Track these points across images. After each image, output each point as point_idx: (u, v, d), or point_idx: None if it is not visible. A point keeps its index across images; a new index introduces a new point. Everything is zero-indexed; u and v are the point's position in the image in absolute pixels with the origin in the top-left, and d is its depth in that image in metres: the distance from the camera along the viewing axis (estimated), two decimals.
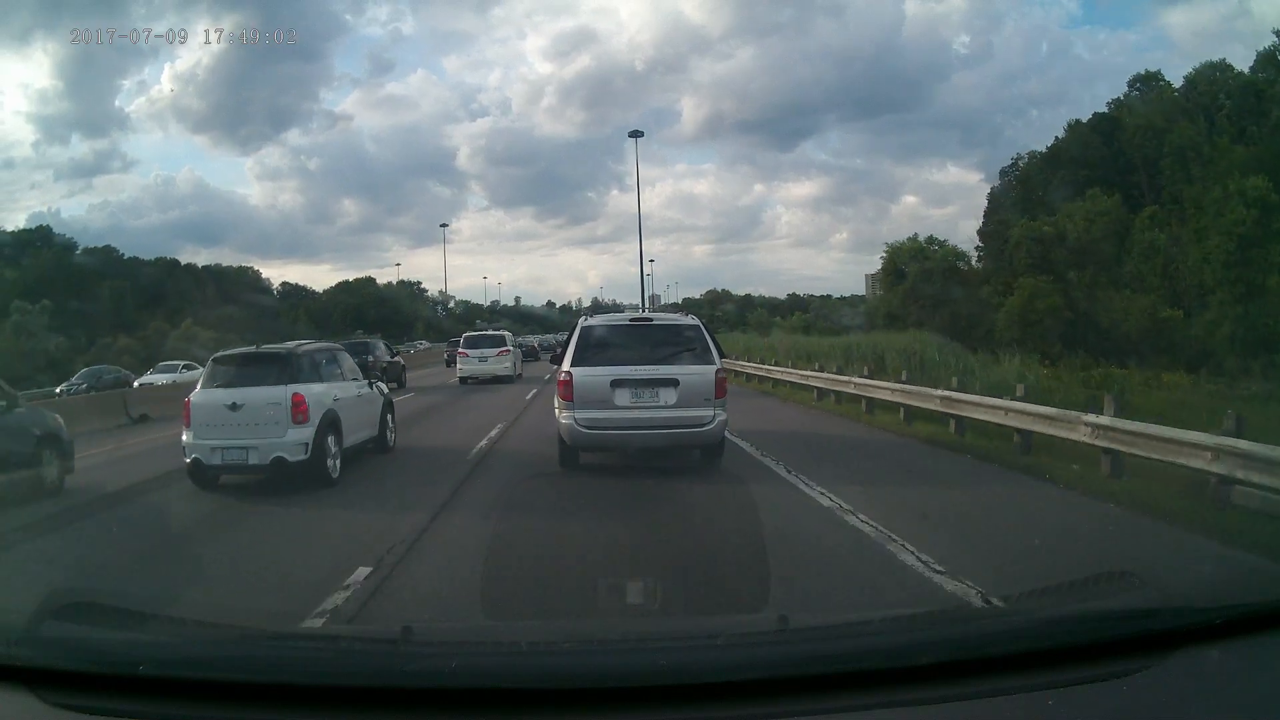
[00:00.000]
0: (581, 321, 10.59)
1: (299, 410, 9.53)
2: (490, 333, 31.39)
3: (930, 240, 51.68)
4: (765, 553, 5.41)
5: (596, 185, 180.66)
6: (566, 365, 9.77)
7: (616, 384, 9.46)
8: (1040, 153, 54.04)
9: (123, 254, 74.37)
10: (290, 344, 11.13)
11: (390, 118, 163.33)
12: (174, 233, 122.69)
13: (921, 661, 1.86)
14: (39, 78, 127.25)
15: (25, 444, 10.06)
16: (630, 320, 11.14)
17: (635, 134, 47.05)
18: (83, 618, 2.42)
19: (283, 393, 9.58)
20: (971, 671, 1.84)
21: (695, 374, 9.56)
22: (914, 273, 48.07)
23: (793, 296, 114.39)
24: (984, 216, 55.15)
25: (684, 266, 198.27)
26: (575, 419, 9.45)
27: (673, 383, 9.47)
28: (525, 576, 5.76)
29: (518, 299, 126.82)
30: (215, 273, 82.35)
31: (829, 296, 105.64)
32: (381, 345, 27.29)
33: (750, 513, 7.17)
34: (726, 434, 10.18)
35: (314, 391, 9.96)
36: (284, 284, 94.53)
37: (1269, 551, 5.97)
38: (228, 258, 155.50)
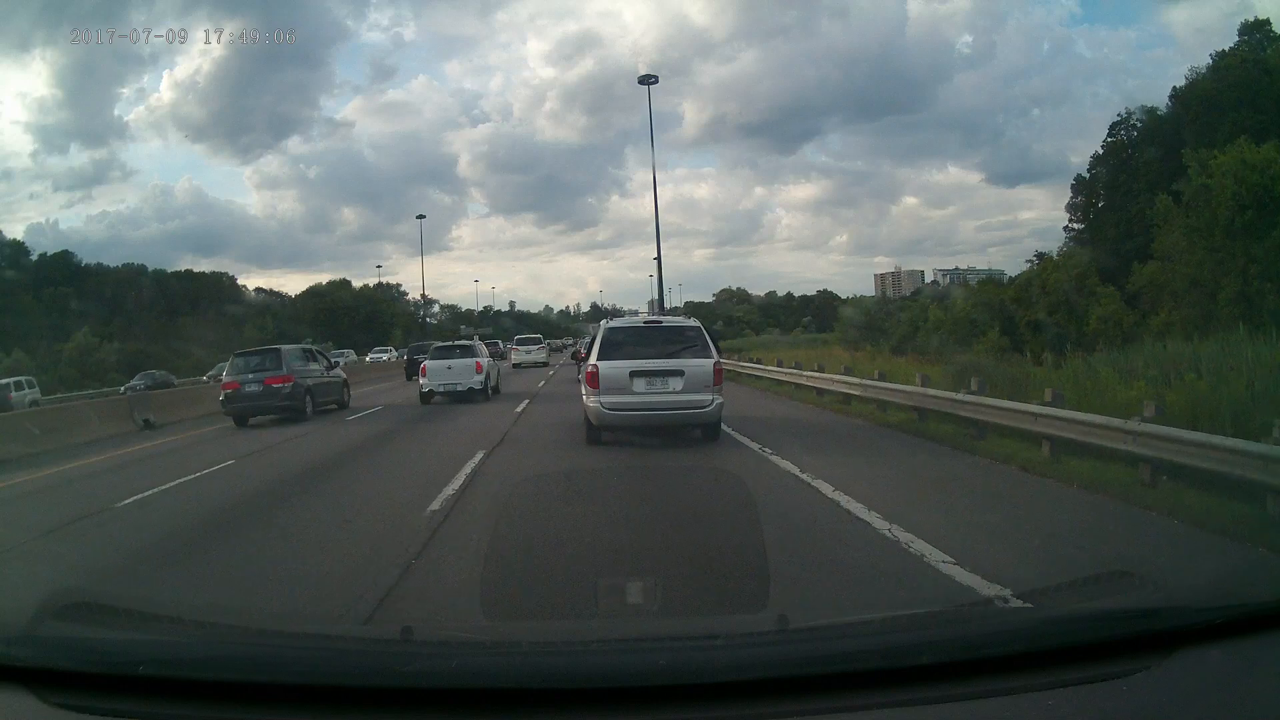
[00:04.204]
0: (604, 324, 12.87)
1: (479, 368, 21.36)
2: (533, 335, 48.56)
3: None
4: None
5: (597, 191, 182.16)
6: (593, 360, 11.70)
7: (634, 374, 11.30)
8: (1156, 110, 46.82)
9: (80, 260, 73.00)
10: (470, 341, 25.02)
11: (391, 124, 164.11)
12: (173, 243, 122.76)
13: (921, 661, 1.86)
14: (38, 86, 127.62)
15: (338, 384, 21.55)
16: (644, 322, 13.54)
17: (647, 79, 37.37)
18: (83, 618, 2.42)
19: (472, 360, 21.46)
20: (971, 671, 1.84)
21: (698, 366, 11.34)
22: None
23: (824, 293, 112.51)
24: (1084, 182, 49.49)
25: (684, 270, 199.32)
26: (601, 403, 11.34)
27: (680, 373, 11.28)
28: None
29: (512, 304, 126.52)
30: (188, 279, 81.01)
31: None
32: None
33: None
34: None
35: (485, 359, 22.00)
36: (258, 289, 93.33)
37: None
38: (227, 267, 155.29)
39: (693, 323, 12.55)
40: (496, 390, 22.82)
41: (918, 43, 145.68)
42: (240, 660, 1.99)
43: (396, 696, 1.81)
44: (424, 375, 21.31)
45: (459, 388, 20.92)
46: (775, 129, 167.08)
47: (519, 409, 18.40)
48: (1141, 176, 44.96)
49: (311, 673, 1.90)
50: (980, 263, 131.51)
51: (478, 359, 21.44)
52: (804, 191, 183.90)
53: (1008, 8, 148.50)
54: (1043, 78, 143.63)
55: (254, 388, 18.28)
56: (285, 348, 19.93)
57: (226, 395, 18.57)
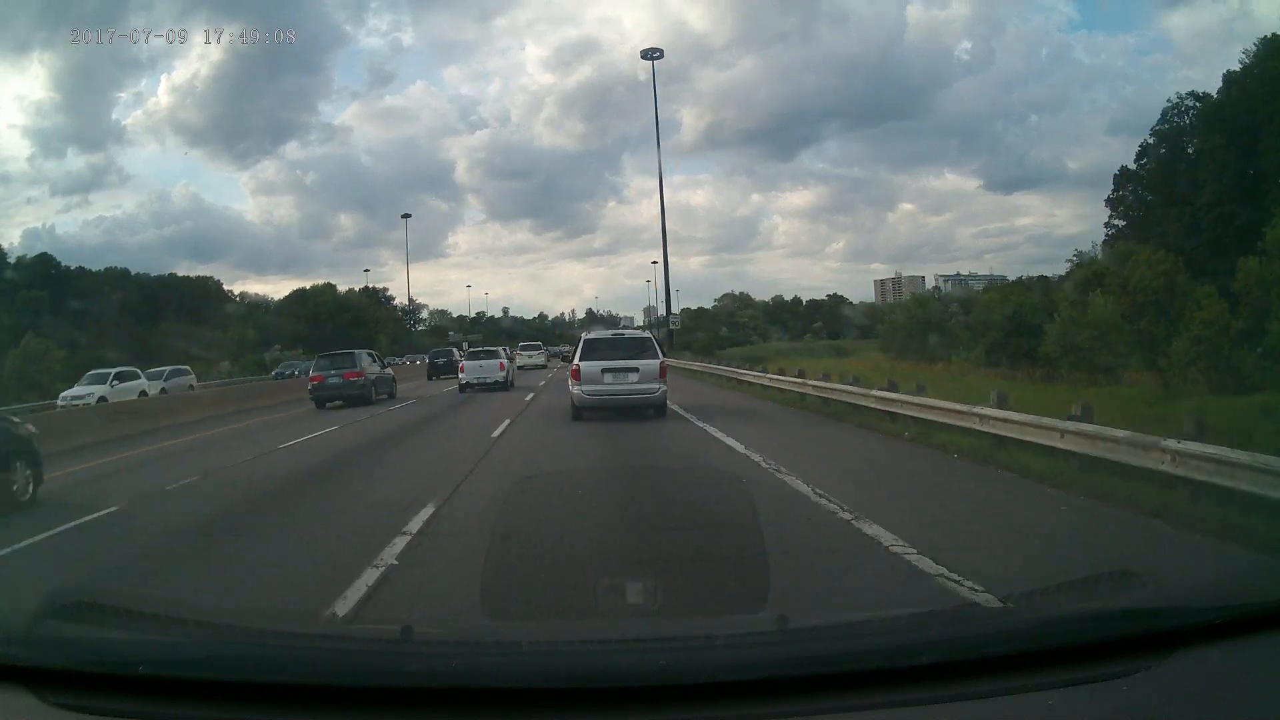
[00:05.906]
0: (585, 335, 18.37)
1: (502, 367, 28.79)
2: (534, 343, 57.85)
3: None
4: None
5: (594, 197, 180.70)
6: (576, 360, 16.56)
7: (604, 370, 15.97)
8: (1210, 96, 43.55)
9: (61, 263, 71.11)
10: (500, 347, 36.31)
11: (389, 130, 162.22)
12: (170, 248, 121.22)
13: (922, 661, 1.85)
14: (35, 90, 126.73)
15: (389, 379, 27.16)
16: (612, 334, 18.61)
17: (650, 53, 35.86)
18: (83, 618, 2.42)
19: (498, 360, 29.13)
20: (971, 671, 1.84)
21: (649, 364, 16.12)
22: None
23: (834, 297, 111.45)
24: (1129, 174, 47.15)
25: (681, 277, 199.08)
26: (581, 390, 15.98)
27: (636, 369, 16.00)
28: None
29: (505, 309, 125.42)
30: (172, 284, 79.53)
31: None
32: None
33: None
34: None
35: (506, 360, 29.69)
36: (243, 293, 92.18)
37: None
38: (223, 273, 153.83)
39: (647, 334, 18.64)
40: (513, 384, 29.52)
41: (916, 49, 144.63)
42: (240, 660, 1.98)
43: (396, 696, 1.81)
44: (462, 371, 29.04)
45: (488, 380, 28.03)
46: (773, 136, 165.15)
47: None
48: (1206, 164, 41.50)
49: (312, 672, 1.90)
50: (979, 268, 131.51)
51: (501, 360, 29.09)
52: (801, 198, 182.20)
53: (1007, 14, 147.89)
54: (1041, 84, 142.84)
55: (335, 380, 24.40)
56: (358, 351, 26.58)
57: (314, 386, 24.62)
